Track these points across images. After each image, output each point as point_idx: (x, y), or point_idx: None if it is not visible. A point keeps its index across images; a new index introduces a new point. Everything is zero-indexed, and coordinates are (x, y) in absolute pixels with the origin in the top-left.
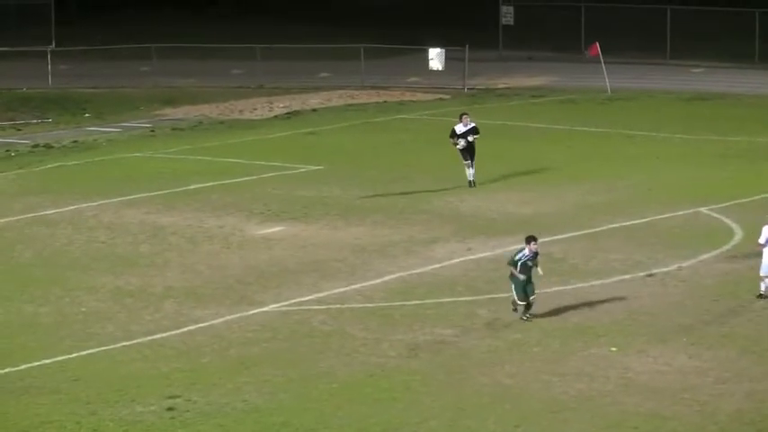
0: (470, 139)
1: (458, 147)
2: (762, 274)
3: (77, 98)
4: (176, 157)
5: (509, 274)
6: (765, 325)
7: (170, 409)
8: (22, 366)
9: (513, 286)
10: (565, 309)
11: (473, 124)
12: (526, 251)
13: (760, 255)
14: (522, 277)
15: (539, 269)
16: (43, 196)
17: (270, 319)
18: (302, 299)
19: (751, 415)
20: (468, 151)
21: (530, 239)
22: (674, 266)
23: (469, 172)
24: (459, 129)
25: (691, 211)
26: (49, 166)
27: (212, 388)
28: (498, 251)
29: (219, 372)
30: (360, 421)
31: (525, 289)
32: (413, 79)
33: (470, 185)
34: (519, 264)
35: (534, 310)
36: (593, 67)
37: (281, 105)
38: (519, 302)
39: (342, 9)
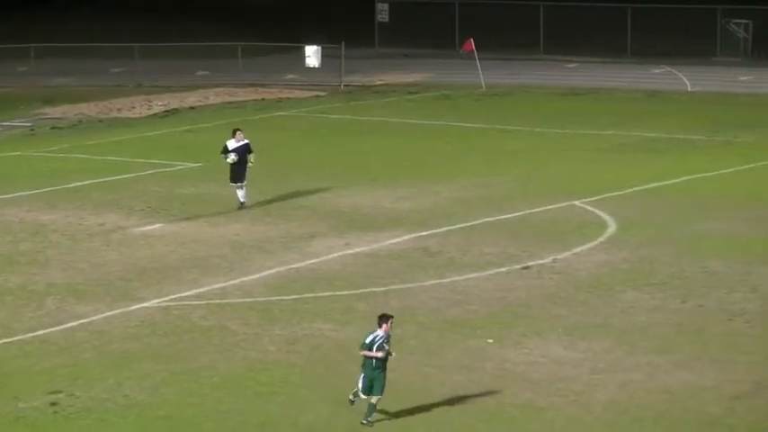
0: (250, 160)
1: (228, 161)
2: None
3: None
4: (56, 155)
5: (361, 361)
6: (638, 316)
7: (53, 404)
8: None
9: (361, 376)
10: (442, 302)
11: (246, 141)
12: (380, 332)
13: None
14: (379, 355)
15: (392, 353)
16: None
17: (150, 314)
18: (182, 294)
19: (624, 404)
20: (240, 172)
21: (384, 318)
22: (549, 259)
23: (240, 193)
24: (232, 144)
25: (565, 204)
26: None
27: (94, 383)
28: (375, 246)
29: (101, 367)
30: (240, 414)
31: (374, 380)
32: (290, 77)
33: (240, 207)
34: (374, 347)
35: (410, 304)
36: (468, 64)
37: (160, 104)
38: (361, 395)
39: (218, 7)
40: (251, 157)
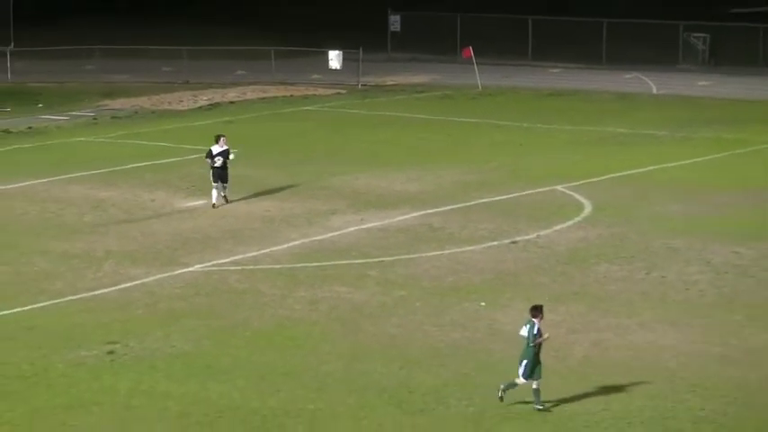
0: (230, 157)
1: (214, 165)
2: None
3: (32, 91)
4: (115, 141)
5: (523, 350)
6: (609, 285)
7: (110, 353)
8: None
9: (523, 362)
10: (442, 270)
11: (227, 147)
12: (535, 321)
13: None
14: (546, 337)
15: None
16: (2, 174)
17: (194, 277)
18: (221, 261)
19: (596, 359)
20: (222, 174)
21: (537, 309)
22: (534, 235)
23: (216, 194)
24: (215, 149)
25: (548, 188)
26: (8, 148)
27: (145, 336)
28: (386, 221)
29: (151, 322)
30: (268, 364)
31: (535, 366)
32: (315, 76)
33: (215, 207)
34: (534, 336)
35: (415, 272)
36: (467, 68)
37: (204, 98)
38: (522, 379)
39: (254, 17)
40: (232, 155)
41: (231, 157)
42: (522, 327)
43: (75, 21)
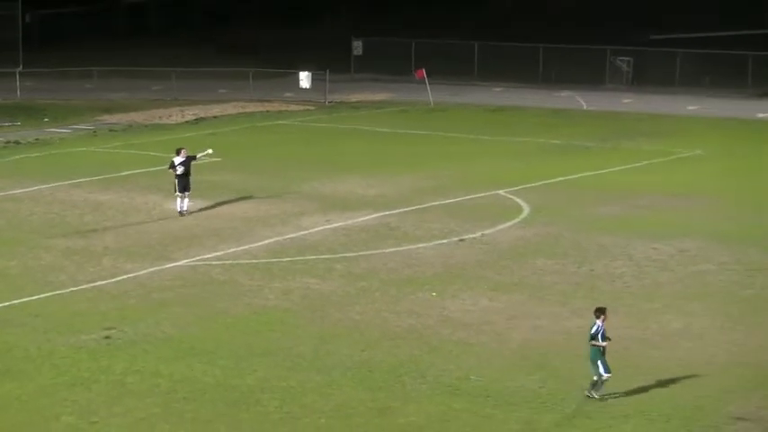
0: (199, 155)
1: (177, 173)
2: None
3: (39, 107)
4: (112, 151)
5: (591, 351)
6: (545, 277)
7: (107, 337)
8: None
9: (599, 362)
10: (399, 264)
11: (185, 158)
12: (599, 323)
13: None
14: (605, 344)
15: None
16: (12, 179)
17: (181, 271)
18: (205, 256)
19: (534, 342)
20: (186, 183)
21: (601, 311)
22: (479, 233)
23: (183, 202)
24: (177, 160)
25: (492, 193)
26: (17, 157)
27: (138, 322)
28: (349, 222)
29: (143, 310)
30: (247, 346)
31: (604, 363)
32: (288, 94)
33: (181, 215)
34: (599, 336)
35: (374, 266)
36: (421, 87)
37: (191, 113)
38: (604, 375)
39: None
40: (199, 155)
41: (200, 155)
42: (589, 328)
43: (77, 45)
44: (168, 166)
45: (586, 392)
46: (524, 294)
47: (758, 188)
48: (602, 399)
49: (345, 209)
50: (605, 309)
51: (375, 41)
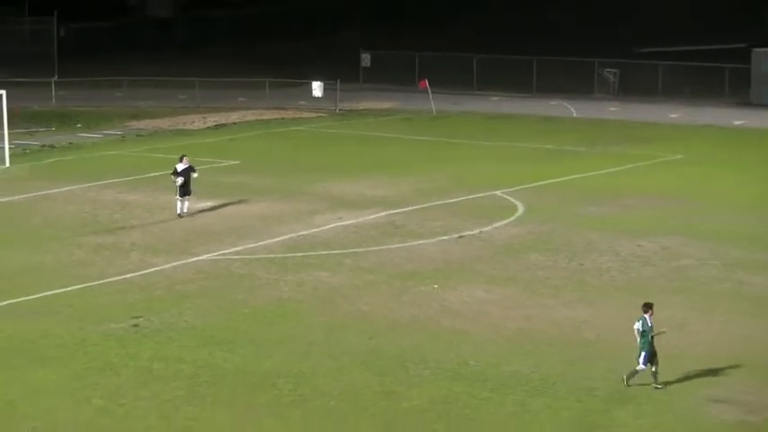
0: (194, 175)
1: (177, 183)
2: None
3: (72, 114)
4: (140, 154)
5: (640, 342)
6: (537, 271)
7: (134, 326)
8: (33, 296)
9: (642, 354)
10: (403, 259)
11: (189, 165)
12: (647, 317)
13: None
14: (660, 332)
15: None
16: (48, 180)
17: (203, 265)
18: (225, 251)
19: (527, 331)
20: (185, 189)
21: (649, 306)
22: (477, 231)
23: (183, 205)
24: (180, 167)
25: (489, 193)
26: (52, 160)
27: (163, 312)
28: (359, 219)
29: (168, 301)
30: (263, 334)
31: (653, 354)
32: (302, 102)
33: (180, 217)
34: (649, 331)
35: (381, 261)
36: (424, 96)
37: (212, 120)
38: (643, 366)
39: (251, 54)
40: (194, 175)
41: (195, 175)
42: (635, 322)
43: (108, 57)
44: (171, 172)
45: (625, 380)
46: (518, 287)
47: (735, 190)
48: (662, 388)
49: (354, 208)
50: (652, 304)
51: (382, 54)
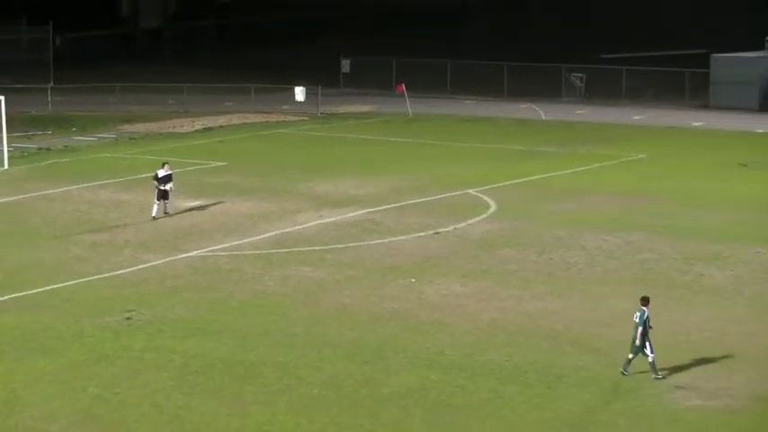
0: (168, 187)
1: (159, 188)
2: None
3: (68, 118)
4: (132, 156)
5: (637, 336)
6: (509, 265)
7: (128, 318)
8: (32, 291)
9: (647, 345)
10: (382, 254)
11: (170, 172)
12: (645, 309)
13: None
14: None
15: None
16: (45, 181)
17: (192, 261)
18: (213, 248)
19: (500, 322)
20: (164, 194)
21: (647, 300)
22: (452, 227)
23: (159, 210)
24: (161, 173)
25: (463, 192)
26: (49, 162)
27: (155, 306)
28: (339, 217)
29: (159, 295)
30: (249, 326)
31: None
32: (285, 107)
33: (154, 219)
34: (647, 322)
35: (361, 256)
36: (401, 100)
37: (200, 124)
38: (652, 356)
39: (238, 62)
40: (170, 185)
41: (170, 186)
42: (634, 313)
43: (102, 64)
44: (153, 177)
45: (624, 370)
46: (492, 280)
47: (694, 188)
48: (664, 377)
49: (336, 206)
50: (649, 297)
51: (361, 60)
